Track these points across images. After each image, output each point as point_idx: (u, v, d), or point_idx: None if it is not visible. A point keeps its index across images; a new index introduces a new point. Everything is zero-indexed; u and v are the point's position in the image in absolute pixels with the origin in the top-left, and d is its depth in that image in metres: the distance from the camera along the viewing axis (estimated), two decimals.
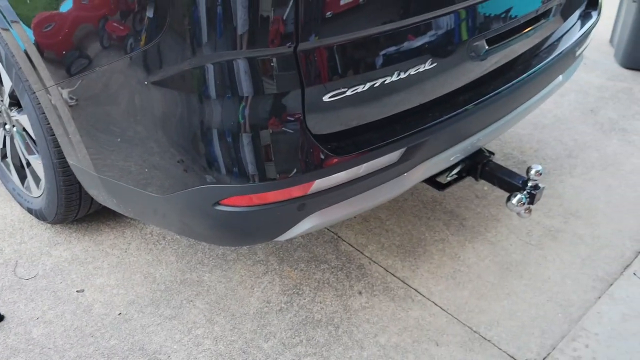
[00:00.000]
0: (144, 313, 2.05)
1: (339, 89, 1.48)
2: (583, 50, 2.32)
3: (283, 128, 1.46)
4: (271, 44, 1.36)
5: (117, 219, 2.42)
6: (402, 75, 1.57)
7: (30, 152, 2.16)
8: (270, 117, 1.44)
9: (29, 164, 2.24)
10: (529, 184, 2.09)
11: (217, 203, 1.56)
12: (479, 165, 2.18)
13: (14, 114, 2.12)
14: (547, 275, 2.23)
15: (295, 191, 1.56)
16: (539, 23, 1.97)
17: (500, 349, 1.96)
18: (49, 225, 2.39)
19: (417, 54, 1.58)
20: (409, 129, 1.67)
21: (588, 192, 2.64)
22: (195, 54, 1.38)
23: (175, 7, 1.37)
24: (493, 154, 2.23)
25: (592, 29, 2.30)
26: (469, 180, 2.63)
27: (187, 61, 1.40)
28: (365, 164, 1.61)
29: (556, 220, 2.48)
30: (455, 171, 2.16)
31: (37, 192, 2.25)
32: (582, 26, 2.27)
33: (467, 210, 2.52)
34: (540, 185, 2.10)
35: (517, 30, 1.88)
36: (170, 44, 1.41)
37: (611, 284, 2.20)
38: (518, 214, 2.14)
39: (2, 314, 2.02)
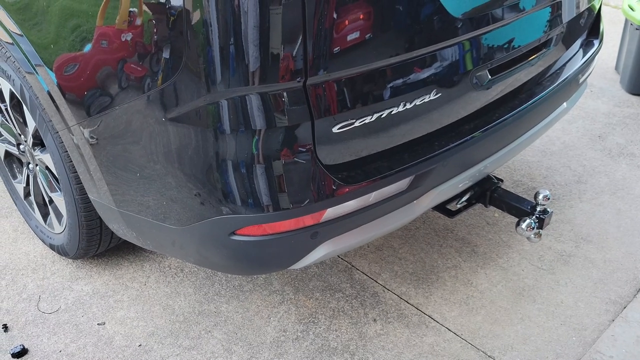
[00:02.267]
0: (163, 344, 2.09)
1: (347, 120, 1.54)
2: (586, 78, 2.38)
3: (295, 159, 1.52)
4: (281, 80, 1.43)
5: (136, 253, 2.48)
6: (408, 106, 1.63)
7: (53, 190, 2.24)
8: (282, 149, 1.50)
9: (51, 201, 2.32)
10: (538, 208, 2.13)
11: (233, 233, 1.62)
12: (488, 192, 2.23)
13: (37, 153, 2.21)
14: (560, 299, 2.25)
15: (308, 220, 1.61)
16: (540, 52, 2.03)
17: None
18: (70, 260, 2.45)
19: (422, 85, 1.64)
20: (416, 157, 1.72)
21: (598, 217, 2.67)
22: (210, 90, 1.46)
23: (190, 47, 1.44)
24: (501, 180, 2.27)
25: (594, 57, 2.36)
26: (479, 208, 2.68)
27: (202, 98, 1.48)
28: (374, 192, 1.67)
29: (567, 245, 2.51)
30: (464, 198, 2.21)
31: (59, 229, 2.33)
32: (584, 54, 2.33)
33: (479, 237, 2.56)
34: (548, 209, 2.14)
35: (519, 60, 1.94)
36: (186, 82, 1.48)
37: (624, 307, 2.22)
38: (528, 238, 2.18)
39: (26, 347, 2.08)
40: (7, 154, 2.56)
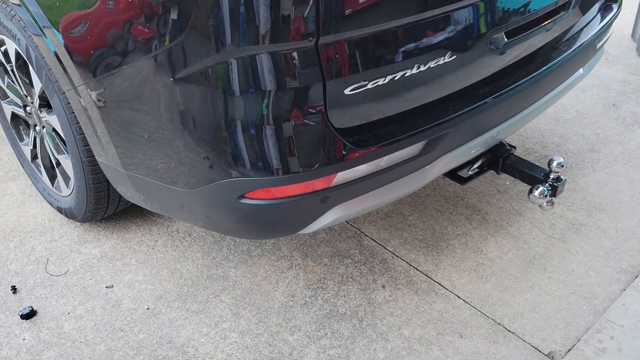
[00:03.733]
0: (171, 307, 2.09)
1: (359, 82, 1.50)
2: (604, 43, 2.32)
3: (305, 121, 1.49)
4: (293, 39, 1.39)
5: (144, 217, 2.47)
6: (422, 68, 1.59)
7: (60, 152, 2.22)
8: (292, 110, 1.47)
9: (58, 163, 2.30)
10: (551, 176, 2.10)
11: (242, 196, 1.59)
12: (500, 159, 2.19)
13: (44, 115, 2.18)
14: (571, 268, 2.23)
15: (319, 184, 1.59)
16: (558, 15, 1.97)
17: (524, 340, 1.97)
18: (78, 223, 2.45)
19: (437, 47, 1.60)
20: (429, 121, 1.68)
21: (611, 186, 2.63)
22: (219, 50, 1.42)
23: (200, 6, 1.40)
24: (514, 147, 2.24)
25: (612, 22, 2.30)
26: (490, 175, 2.65)
27: (211, 57, 1.44)
28: (386, 157, 1.64)
29: (579, 214, 2.48)
30: (476, 165, 2.18)
31: (66, 191, 2.31)
32: (602, 19, 2.27)
33: (489, 205, 2.53)
34: (562, 177, 2.10)
35: (536, 23, 1.89)
36: (195, 41, 1.45)
37: (636, 276, 2.20)
38: (540, 206, 2.15)
39: (34, 309, 2.08)
40: (14, 116, 2.54)
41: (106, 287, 2.17)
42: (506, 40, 1.79)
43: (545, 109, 2.19)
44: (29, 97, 2.28)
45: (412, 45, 1.56)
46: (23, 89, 2.27)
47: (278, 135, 1.49)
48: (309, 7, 1.37)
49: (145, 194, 1.90)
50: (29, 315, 2.05)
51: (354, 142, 1.56)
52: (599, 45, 2.27)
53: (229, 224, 1.72)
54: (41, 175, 2.48)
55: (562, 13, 1.99)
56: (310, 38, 1.40)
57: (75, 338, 1.99)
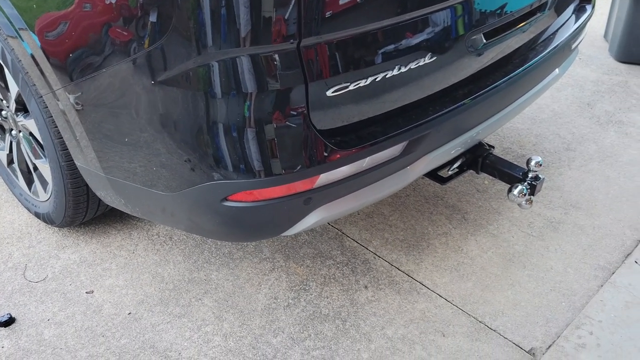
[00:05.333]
0: (153, 312, 2.07)
1: (341, 83, 1.51)
2: (578, 44, 2.36)
3: (287, 123, 1.49)
4: (274, 41, 1.39)
5: (124, 221, 2.45)
6: (403, 70, 1.60)
7: (37, 156, 2.19)
8: (274, 112, 1.47)
9: (35, 168, 2.27)
10: (530, 175, 2.12)
11: (225, 199, 1.59)
12: (480, 159, 2.21)
13: (21, 119, 2.15)
14: (550, 265, 2.27)
15: (301, 185, 1.59)
16: (534, 17, 2.00)
17: (505, 338, 1.99)
18: (56, 228, 2.41)
19: (417, 49, 1.61)
20: (410, 122, 1.70)
21: (587, 184, 2.68)
22: (200, 52, 1.42)
23: (181, 9, 1.40)
24: (493, 147, 2.26)
25: (586, 22, 2.34)
26: (469, 175, 2.67)
27: (192, 60, 1.43)
28: (368, 158, 1.64)
29: (557, 212, 2.52)
30: (456, 165, 2.20)
31: (44, 196, 2.28)
32: (576, 20, 2.31)
33: (469, 204, 2.56)
34: (540, 176, 2.13)
35: (513, 24, 1.92)
36: (176, 44, 1.44)
37: (613, 273, 2.23)
38: (519, 205, 2.17)
39: (13, 316, 2.05)
40: None
41: (86, 292, 2.15)
42: (484, 41, 1.81)
43: (523, 108, 2.22)
44: (4, 101, 2.24)
45: (392, 47, 1.57)
46: None
47: (260, 137, 1.49)
48: (290, 9, 1.37)
49: (125, 198, 1.88)
50: (8, 322, 2.02)
51: (336, 143, 1.57)
52: (574, 46, 2.31)
53: (212, 227, 1.71)
54: (17, 180, 2.45)
55: (538, 14, 2.02)
56: (292, 40, 1.40)
57: (56, 345, 1.96)
